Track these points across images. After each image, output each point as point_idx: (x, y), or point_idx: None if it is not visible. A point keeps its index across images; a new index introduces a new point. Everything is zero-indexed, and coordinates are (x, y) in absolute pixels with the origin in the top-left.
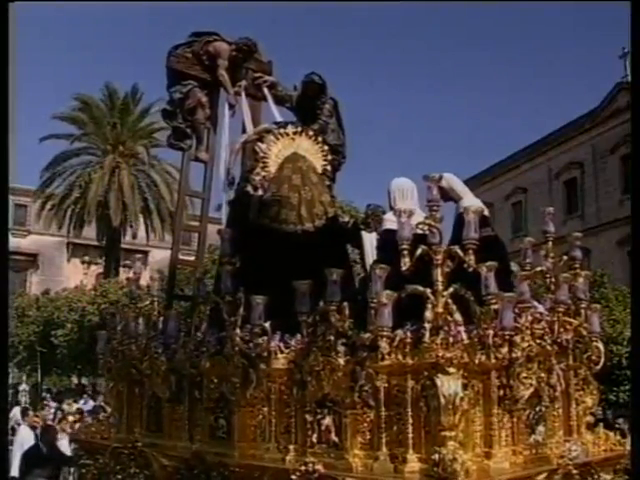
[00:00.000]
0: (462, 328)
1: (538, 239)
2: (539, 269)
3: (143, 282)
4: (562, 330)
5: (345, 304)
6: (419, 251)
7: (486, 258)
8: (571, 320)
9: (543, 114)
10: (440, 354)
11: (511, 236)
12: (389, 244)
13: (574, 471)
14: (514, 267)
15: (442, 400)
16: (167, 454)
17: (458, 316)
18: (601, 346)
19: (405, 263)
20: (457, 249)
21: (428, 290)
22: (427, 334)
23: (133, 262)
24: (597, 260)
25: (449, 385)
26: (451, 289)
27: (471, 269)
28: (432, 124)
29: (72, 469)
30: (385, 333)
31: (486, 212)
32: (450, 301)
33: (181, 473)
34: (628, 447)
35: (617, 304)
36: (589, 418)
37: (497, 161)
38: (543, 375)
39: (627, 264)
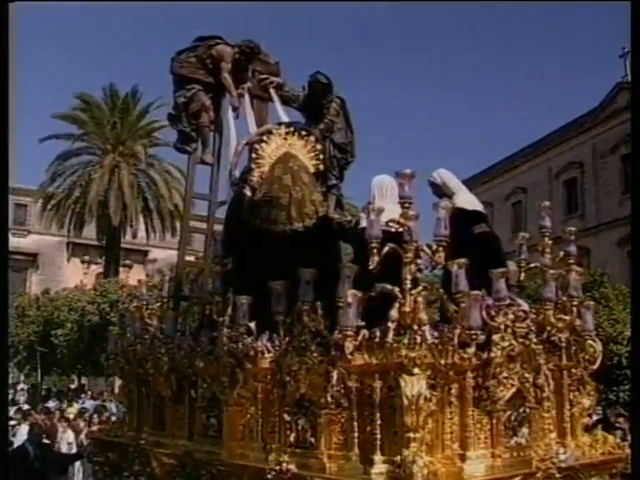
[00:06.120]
0: (427, 328)
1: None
2: (532, 265)
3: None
4: (551, 328)
5: (318, 303)
6: (386, 249)
7: (481, 254)
8: (563, 317)
9: (543, 114)
10: (404, 354)
11: (511, 236)
12: (365, 243)
13: (557, 475)
14: (512, 265)
15: (405, 401)
16: (167, 452)
17: (424, 315)
18: (596, 345)
19: (373, 261)
20: (424, 246)
21: (396, 289)
22: (391, 334)
23: (133, 262)
24: (597, 260)
25: (412, 386)
26: (420, 287)
27: (440, 266)
28: (433, 124)
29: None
30: (349, 333)
31: (481, 208)
32: (420, 299)
33: (176, 471)
34: (627, 450)
35: (617, 304)
36: (586, 420)
37: (497, 161)
38: (528, 375)
39: (627, 264)
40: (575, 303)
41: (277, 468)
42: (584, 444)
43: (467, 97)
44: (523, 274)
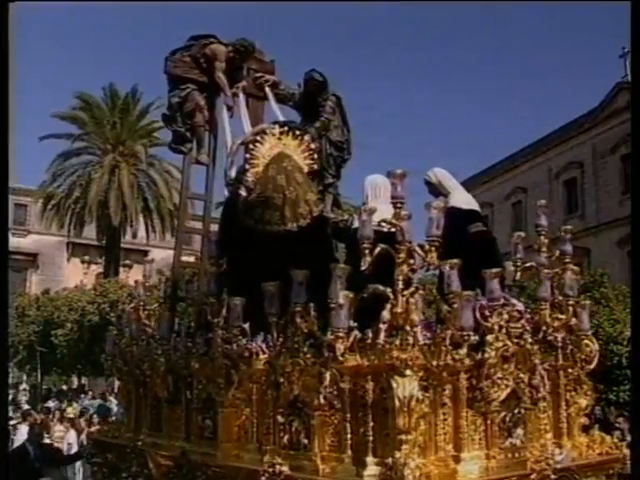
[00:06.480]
0: (419, 329)
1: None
2: (528, 265)
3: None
4: (547, 328)
5: (311, 305)
6: (377, 249)
7: (476, 254)
8: (559, 317)
9: (543, 114)
10: (395, 355)
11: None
12: (357, 243)
13: (552, 476)
14: (509, 265)
15: (396, 402)
16: (164, 454)
17: (416, 316)
18: (593, 344)
19: (365, 262)
20: (416, 247)
21: (388, 289)
22: (382, 335)
23: (133, 262)
24: (597, 260)
25: (404, 387)
26: (412, 288)
27: (433, 267)
28: (433, 124)
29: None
30: (341, 334)
31: (477, 207)
32: (413, 300)
33: (173, 472)
34: (624, 451)
35: (617, 304)
36: (583, 420)
37: (497, 161)
38: (523, 375)
39: (627, 264)
40: (571, 302)
41: (270, 470)
42: (581, 444)
43: (467, 97)
44: (519, 274)
